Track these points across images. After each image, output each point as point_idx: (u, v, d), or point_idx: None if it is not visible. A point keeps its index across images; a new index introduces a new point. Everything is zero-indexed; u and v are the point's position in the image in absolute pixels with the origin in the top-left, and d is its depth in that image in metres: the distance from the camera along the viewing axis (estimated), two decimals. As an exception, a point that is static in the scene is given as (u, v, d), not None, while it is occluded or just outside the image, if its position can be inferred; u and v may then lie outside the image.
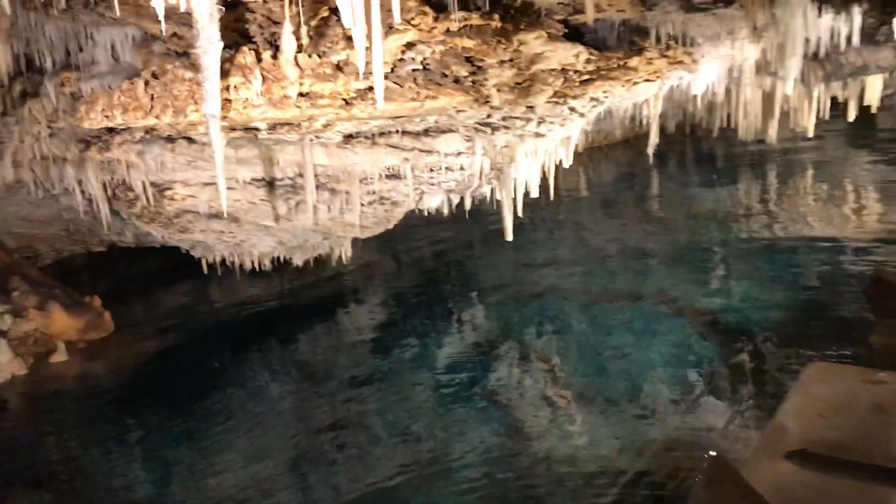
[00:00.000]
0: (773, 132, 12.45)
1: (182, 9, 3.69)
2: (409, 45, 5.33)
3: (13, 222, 8.84)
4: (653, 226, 11.13)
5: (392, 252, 10.40)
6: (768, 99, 12.40)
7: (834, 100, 12.31)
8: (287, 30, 4.67)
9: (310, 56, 4.89)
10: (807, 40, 7.77)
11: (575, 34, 6.52)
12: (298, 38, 4.85)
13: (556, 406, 5.85)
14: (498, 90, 5.95)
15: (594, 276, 8.80)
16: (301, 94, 4.93)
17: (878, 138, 16.99)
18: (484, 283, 8.97)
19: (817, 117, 12.24)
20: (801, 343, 6.31)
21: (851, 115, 12.54)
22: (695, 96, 10.25)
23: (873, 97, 12.48)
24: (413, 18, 5.09)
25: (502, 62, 5.91)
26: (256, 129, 5.60)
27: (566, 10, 6.19)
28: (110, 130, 6.43)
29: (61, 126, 6.63)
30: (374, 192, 7.19)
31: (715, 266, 8.87)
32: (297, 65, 4.80)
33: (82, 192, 7.27)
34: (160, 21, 3.92)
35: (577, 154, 14.47)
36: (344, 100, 5.11)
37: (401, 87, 5.37)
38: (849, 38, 7.87)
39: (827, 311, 6.98)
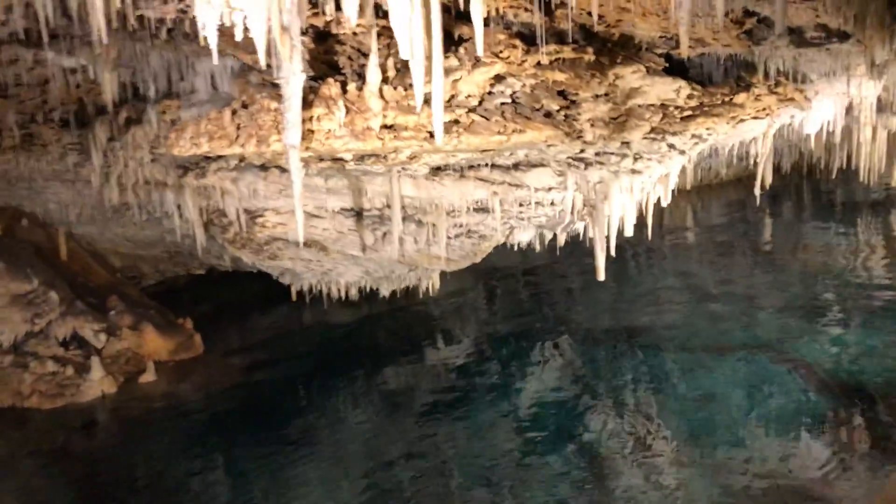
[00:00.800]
0: (896, 175, 11.62)
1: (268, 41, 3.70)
2: (499, 78, 5.20)
3: (119, 243, 9.21)
4: (763, 270, 10.52)
5: (483, 285, 10.23)
6: (894, 140, 11.61)
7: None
8: (373, 62, 4.63)
9: (395, 88, 4.83)
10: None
11: (679, 69, 6.24)
12: (385, 71, 4.81)
13: (646, 458, 5.51)
14: (591, 125, 5.73)
15: (697, 321, 8.34)
16: (385, 127, 4.87)
17: None
18: (577, 323, 8.66)
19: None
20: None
21: None
22: (809, 135, 9.66)
23: None
24: (502, 52, 4.96)
25: (597, 96, 5.70)
26: (343, 159, 5.58)
27: (668, 44, 5.93)
28: (207, 158, 6.59)
29: (162, 152, 6.85)
30: (461, 225, 7.06)
31: (829, 317, 8.23)
32: (382, 97, 4.75)
33: (181, 216, 7.48)
34: (256, 52, 3.97)
35: (685, 192, 14.03)
36: (428, 132, 5.02)
37: (487, 119, 5.23)
38: None
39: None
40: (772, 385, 6.52)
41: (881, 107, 7.67)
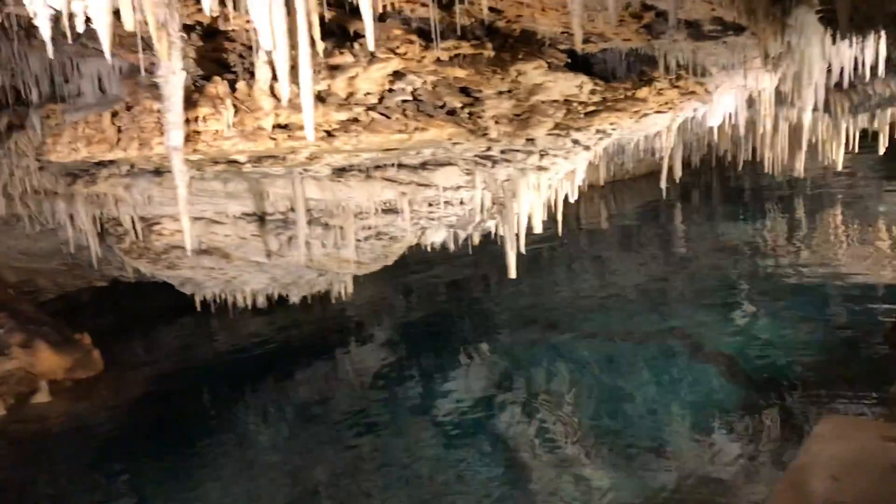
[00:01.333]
0: (800, 166, 11.97)
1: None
2: (398, 75, 5.05)
3: (13, 256, 8.67)
4: (675, 262, 10.72)
5: (396, 288, 10.07)
6: (795, 131, 11.97)
7: (866, 132, 11.89)
8: (261, 58, 4.41)
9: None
10: (829, 70, 7.40)
11: (584, 65, 6.21)
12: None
13: (564, 450, 5.50)
14: (496, 122, 5.65)
15: (613, 314, 8.39)
16: (278, 126, 4.66)
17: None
18: (494, 321, 8.60)
19: (847, 150, 11.79)
20: (823, 389, 5.93)
21: (882, 147, 12.05)
22: (717, 128, 9.88)
23: (905, 128, 12.01)
24: (398, 47, 4.81)
25: (500, 93, 5.61)
26: (238, 161, 5.33)
27: (570, 39, 5.88)
28: (98, 164, 6.23)
29: (50, 159, 6.45)
30: (370, 227, 6.89)
31: (738, 305, 8.41)
32: (273, 95, 4.52)
33: (73, 226, 7.06)
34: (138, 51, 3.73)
35: (598, 188, 14.20)
36: (326, 131, 4.83)
37: (388, 118, 5.08)
38: (874, 69, 7.48)
39: (853, 357, 6.54)
40: (687, 376, 6.60)
41: (781, 99, 7.83)
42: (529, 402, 6.42)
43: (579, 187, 7.10)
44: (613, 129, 6.26)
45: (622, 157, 14.18)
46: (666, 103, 6.37)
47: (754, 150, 12.05)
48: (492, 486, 5.08)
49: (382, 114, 5.10)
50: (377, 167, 6.28)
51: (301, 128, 4.74)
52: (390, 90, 5.17)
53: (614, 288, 9.57)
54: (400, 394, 6.86)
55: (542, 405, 6.33)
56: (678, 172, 12.21)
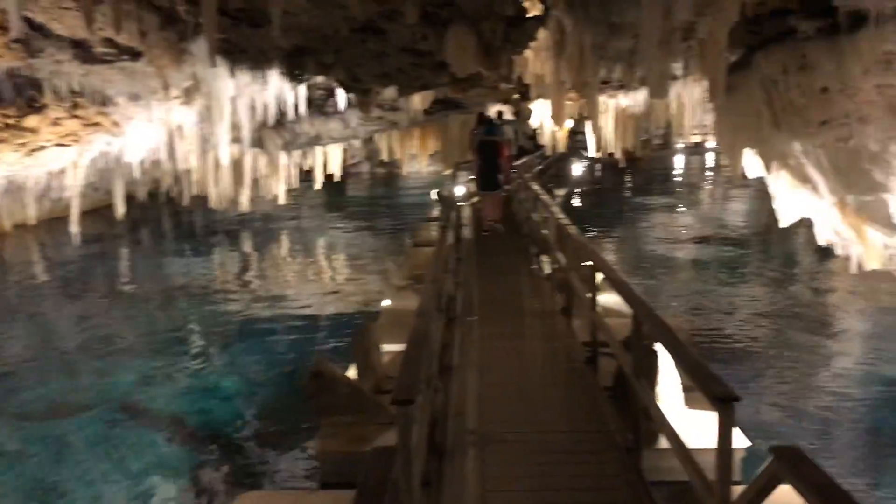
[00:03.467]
0: (245, 200, 12.03)
1: None
2: None
3: None
4: (122, 309, 9.65)
5: None
6: (237, 166, 12.04)
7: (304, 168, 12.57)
8: None
9: None
10: (252, 107, 7.37)
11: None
12: None
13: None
14: None
15: (52, 383, 6.97)
16: None
17: (348, 205, 18.16)
18: None
19: (289, 185, 12.26)
20: (266, 447, 5.57)
21: (318, 183, 12.80)
22: (159, 162, 9.24)
23: (336, 166, 13.00)
24: None
25: None
26: None
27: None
28: None
29: None
30: None
31: (188, 353, 7.77)
32: None
33: None
34: None
35: (31, 227, 12.29)
36: None
37: None
38: (297, 108, 7.70)
39: (293, 404, 6.36)
40: (132, 446, 5.68)
41: (209, 136, 7.53)
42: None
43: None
44: (-6, 166, 5.11)
45: (60, 192, 12.54)
46: (68, 135, 5.46)
47: (201, 184, 11.72)
48: None
49: None
50: None
51: None
52: None
53: (52, 348, 8.12)
54: None
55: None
56: (120, 209, 11.29)
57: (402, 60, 4.46)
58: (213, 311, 9.32)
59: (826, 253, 6.97)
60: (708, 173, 26.50)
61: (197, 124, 6.63)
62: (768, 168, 4.34)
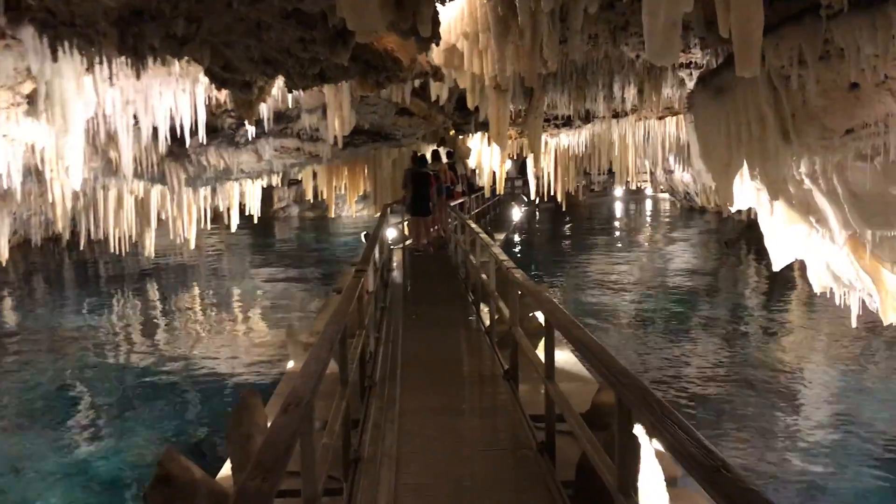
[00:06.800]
0: (149, 244, 10.75)
1: None
2: None
3: None
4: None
5: None
6: (142, 206, 10.73)
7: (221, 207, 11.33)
8: None
9: None
10: (136, 125, 6.19)
11: None
12: None
13: None
14: None
15: None
16: None
17: (274, 248, 16.85)
18: None
19: (201, 227, 10.98)
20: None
21: (234, 224, 11.50)
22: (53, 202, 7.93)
23: (255, 206, 11.77)
24: None
25: None
26: None
27: None
28: None
29: None
30: None
31: (79, 425, 6.41)
32: None
33: None
34: None
35: None
36: None
37: None
38: (194, 130, 6.56)
39: None
40: None
41: (112, 170, 6.31)
42: None
43: None
44: None
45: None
46: None
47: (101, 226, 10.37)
48: None
49: None
50: None
51: None
52: None
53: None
54: None
55: None
56: (4, 254, 9.90)
57: (288, 34, 3.40)
58: (102, 368, 7.96)
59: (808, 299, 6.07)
60: (649, 218, 26.09)
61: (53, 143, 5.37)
62: (774, 194, 3.37)
